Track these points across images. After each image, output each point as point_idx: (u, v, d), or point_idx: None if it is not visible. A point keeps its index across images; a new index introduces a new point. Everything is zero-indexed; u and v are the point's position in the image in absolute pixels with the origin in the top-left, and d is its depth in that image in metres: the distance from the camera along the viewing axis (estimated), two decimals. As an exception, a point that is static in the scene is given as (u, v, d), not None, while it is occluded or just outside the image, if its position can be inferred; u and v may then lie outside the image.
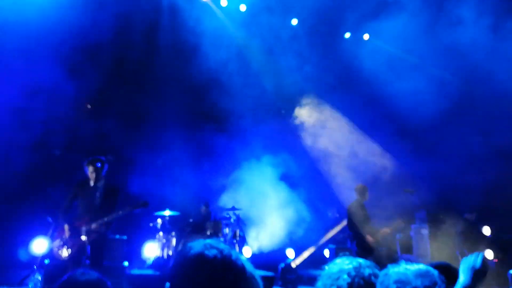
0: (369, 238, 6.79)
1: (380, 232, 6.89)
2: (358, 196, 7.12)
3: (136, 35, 9.19)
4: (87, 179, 5.50)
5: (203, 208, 9.00)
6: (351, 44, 10.18)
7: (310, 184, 9.85)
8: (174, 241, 7.96)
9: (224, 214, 8.83)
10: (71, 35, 7.93)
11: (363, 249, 6.79)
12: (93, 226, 5.21)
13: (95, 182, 5.42)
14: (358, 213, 6.96)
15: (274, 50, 10.36)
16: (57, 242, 5.35)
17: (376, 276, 1.70)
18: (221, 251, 1.26)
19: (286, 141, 10.03)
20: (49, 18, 7.49)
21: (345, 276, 1.69)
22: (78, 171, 7.08)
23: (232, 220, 8.72)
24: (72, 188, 5.57)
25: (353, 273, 1.69)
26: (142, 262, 8.18)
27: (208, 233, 8.14)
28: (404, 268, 1.67)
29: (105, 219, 5.24)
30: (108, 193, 5.46)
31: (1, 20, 7.22)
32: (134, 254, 8.27)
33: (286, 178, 9.76)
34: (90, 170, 5.43)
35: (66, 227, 5.30)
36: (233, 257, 1.28)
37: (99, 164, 5.43)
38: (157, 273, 7.32)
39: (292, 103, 10.68)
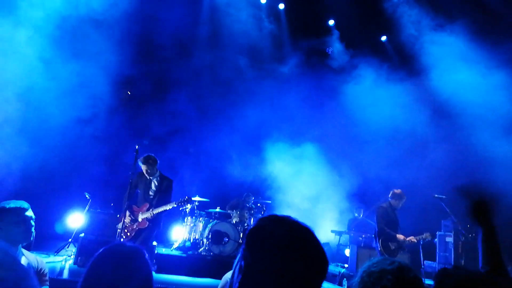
0: (400, 237, 6.83)
1: (406, 240, 6.89)
2: (392, 200, 7.01)
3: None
4: None
5: (248, 197, 9.25)
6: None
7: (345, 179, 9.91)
8: (201, 226, 8.23)
9: (252, 204, 9.04)
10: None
11: (387, 251, 6.83)
12: (147, 215, 5.87)
13: (150, 176, 6.07)
14: (387, 216, 6.96)
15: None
16: (120, 225, 5.94)
17: (418, 278, 1.66)
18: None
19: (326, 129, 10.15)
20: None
21: (389, 277, 1.65)
22: (113, 152, 7.45)
23: (257, 210, 8.89)
24: (134, 178, 6.16)
25: (397, 274, 1.65)
26: (169, 244, 8.52)
27: (234, 221, 8.36)
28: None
29: (158, 209, 5.85)
30: (163, 184, 6.11)
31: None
32: (162, 236, 8.60)
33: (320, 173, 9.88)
34: (143, 168, 6.03)
35: (127, 214, 5.95)
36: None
37: (150, 162, 6.02)
38: (184, 255, 7.59)
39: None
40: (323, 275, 1.29)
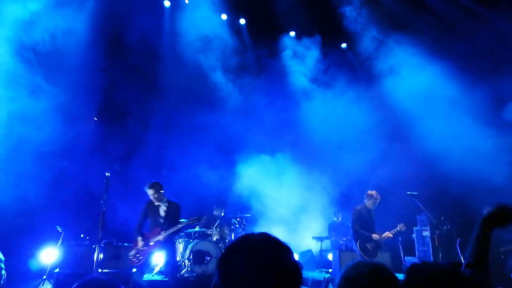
0: (375, 236, 6.94)
1: (382, 236, 7.01)
2: (367, 201, 7.15)
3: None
4: None
5: (216, 211, 9.13)
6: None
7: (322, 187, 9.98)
8: (181, 247, 8.07)
9: (232, 220, 8.93)
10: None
11: (366, 253, 6.93)
12: (159, 238, 6.05)
13: (158, 201, 6.19)
14: (362, 217, 7.08)
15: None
16: (133, 252, 6.13)
17: (393, 276, 1.65)
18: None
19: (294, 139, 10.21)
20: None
21: (364, 280, 1.64)
22: (87, 182, 7.29)
23: (237, 225, 8.80)
24: (144, 207, 6.37)
25: (372, 275, 1.64)
26: (150, 269, 8.27)
27: (215, 239, 8.25)
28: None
29: (169, 231, 6.07)
30: (171, 209, 6.27)
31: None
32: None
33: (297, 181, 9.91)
34: (149, 193, 6.17)
35: (139, 239, 6.11)
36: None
37: (156, 186, 6.18)
38: (166, 279, 7.40)
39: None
40: None
